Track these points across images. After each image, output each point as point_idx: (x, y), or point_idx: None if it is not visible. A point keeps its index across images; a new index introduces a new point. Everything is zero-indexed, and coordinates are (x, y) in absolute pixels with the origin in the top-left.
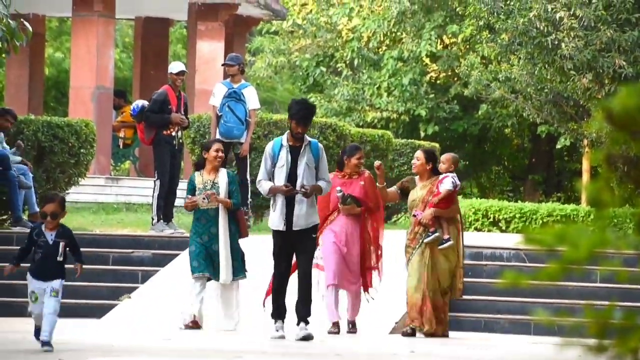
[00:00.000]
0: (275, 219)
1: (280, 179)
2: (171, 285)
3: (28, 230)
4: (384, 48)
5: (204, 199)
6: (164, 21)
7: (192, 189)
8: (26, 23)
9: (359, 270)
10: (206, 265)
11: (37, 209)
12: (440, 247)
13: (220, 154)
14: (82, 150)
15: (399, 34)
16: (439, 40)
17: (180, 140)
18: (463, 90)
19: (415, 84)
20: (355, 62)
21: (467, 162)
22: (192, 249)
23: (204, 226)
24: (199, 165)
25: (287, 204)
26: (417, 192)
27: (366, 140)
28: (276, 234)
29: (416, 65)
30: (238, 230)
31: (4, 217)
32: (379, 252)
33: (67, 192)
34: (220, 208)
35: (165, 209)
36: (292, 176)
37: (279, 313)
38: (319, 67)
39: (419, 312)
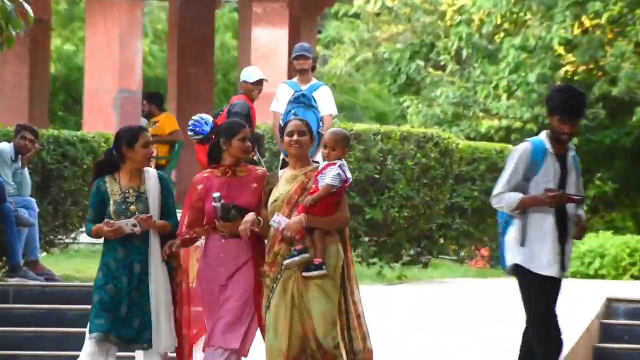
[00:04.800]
0: (541, 256)
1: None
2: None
3: (27, 282)
4: (502, 34)
5: (134, 225)
6: (207, 3)
7: (99, 202)
8: (26, 5)
9: (243, 320)
10: (113, 322)
11: (39, 255)
12: (305, 273)
13: (152, 149)
14: None
15: (522, 15)
16: (576, 23)
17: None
18: (610, 89)
19: (545, 82)
20: (464, 53)
21: (618, 186)
22: (96, 298)
23: (122, 262)
24: (108, 165)
25: (559, 235)
26: (282, 188)
27: (480, 157)
28: (542, 282)
29: (546, 57)
30: (173, 268)
31: None
32: None
33: (80, 229)
34: (152, 235)
35: None
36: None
37: None
38: (414, 61)
39: None
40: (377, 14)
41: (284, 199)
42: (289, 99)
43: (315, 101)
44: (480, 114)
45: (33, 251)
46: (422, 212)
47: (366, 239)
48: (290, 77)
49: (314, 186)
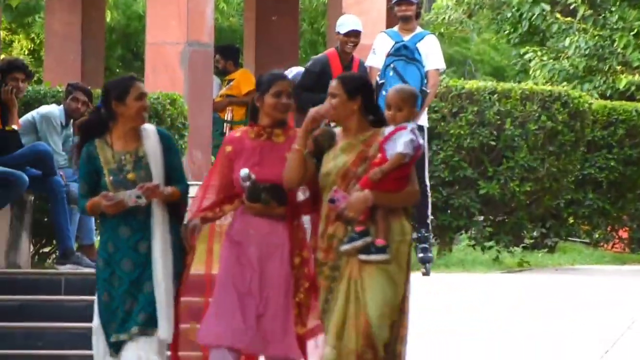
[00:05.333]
0: None
1: None
2: None
3: (81, 270)
4: None
5: (138, 197)
6: None
7: (90, 172)
8: None
9: (283, 323)
10: (122, 321)
11: (95, 238)
12: (364, 256)
13: (145, 102)
14: None
15: None
16: None
17: None
18: None
19: None
20: None
21: None
22: (106, 298)
23: (125, 243)
24: (97, 126)
25: None
26: (337, 158)
27: (618, 119)
28: None
29: None
30: (180, 245)
31: (47, 249)
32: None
33: None
34: (155, 205)
35: None
36: None
37: None
38: (538, 5)
39: None
40: None
41: (339, 172)
42: (389, 51)
43: (419, 53)
44: (619, 68)
45: (88, 233)
46: (548, 186)
47: (480, 218)
48: (389, 25)
49: (379, 155)
